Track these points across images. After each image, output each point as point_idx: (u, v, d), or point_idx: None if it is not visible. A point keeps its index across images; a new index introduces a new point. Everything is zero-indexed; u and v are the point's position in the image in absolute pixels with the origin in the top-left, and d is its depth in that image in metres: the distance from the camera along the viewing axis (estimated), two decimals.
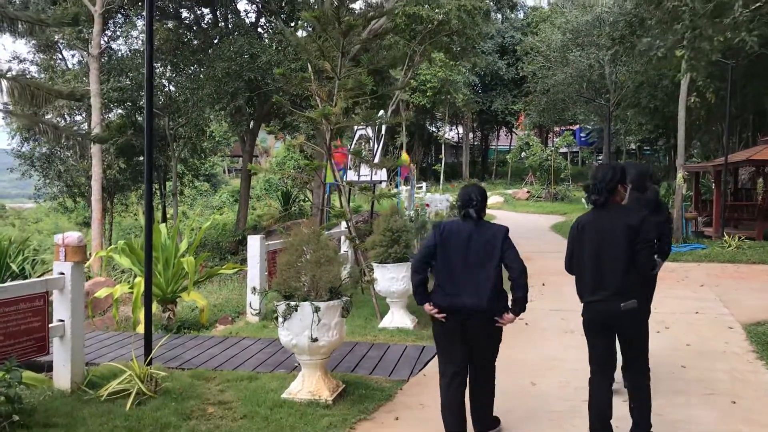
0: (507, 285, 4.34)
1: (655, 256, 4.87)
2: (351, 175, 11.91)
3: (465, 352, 4.33)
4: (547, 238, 18.95)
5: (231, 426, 4.87)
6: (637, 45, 17.03)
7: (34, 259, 14.02)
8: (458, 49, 21.29)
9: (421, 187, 31.87)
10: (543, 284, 10.52)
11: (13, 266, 12.82)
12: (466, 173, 50.55)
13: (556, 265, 10.80)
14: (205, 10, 23.00)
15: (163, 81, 22.37)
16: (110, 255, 10.34)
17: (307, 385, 5.32)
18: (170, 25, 22.18)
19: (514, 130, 54.48)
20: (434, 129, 52.38)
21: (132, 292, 8.85)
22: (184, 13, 22.80)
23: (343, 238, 11.06)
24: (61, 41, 22.91)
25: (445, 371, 4.40)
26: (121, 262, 9.87)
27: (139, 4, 19.95)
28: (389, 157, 25.80)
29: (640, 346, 4.31)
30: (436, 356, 6.51)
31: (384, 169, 12.22)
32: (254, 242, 9.00)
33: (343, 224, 10.44)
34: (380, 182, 12.81)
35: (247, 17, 24.10)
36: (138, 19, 21.25)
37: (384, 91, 13.79)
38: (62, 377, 5.54)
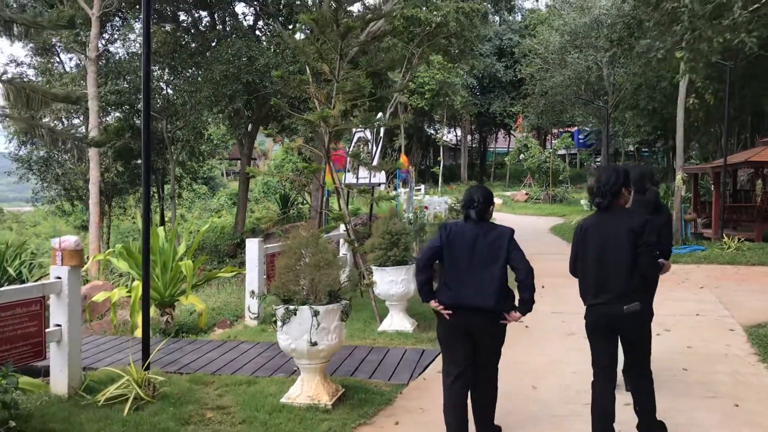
0: (512, 285, 4.32)
1: (660, 259, 4.85)
2: (349, 178, 11.87)
3: (468, 351, 4.31)
4: (546, 240, 18.93)
5: (230, 431, 4.83)
6: (636, 47, 17.06)
7: (31, 263, 13.96)
8: (456, 51, 21.25)
9: (420, 189, 31.92)
10: (542, 286, 10.48)
11: (10, 270, 12.76)
12: (465, 175, 50.58)
13: (555, 267, 10.79)
14: (203, 13, 22.98)
15: (161, 84, 22.33)
16: (108, 258, 10.28)
17: (306, 390, 5.28)
18: (168, 28, 22.15)
19: (512, 132, 54.49)
20: (432, 131, 52.41)
21: (130, 296, 8.80)
22: (182, 16, 22.78)
23: (341, 241, 11.02)
24: (58, 44, 22.86)
25: (448, 371, 4.38)
26: (119, 266, 9.80)
27: (137, 7, 19.90)
28: (388, 159, 25.79)
29: (643, 348, 4.31)
30: (440, 357, 6.52)
31: (383, 172, 12.20)
32: (252, 245, 8.95)
33: (342, 227, 10.41)
34: (379, 185, 12.78)
35: (245, 20, 24.08)
36: (135, 22, 21.23)
37: (382, 94, 13.75)
38: (59, 382, 5.49)
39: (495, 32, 46.56)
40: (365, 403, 5.33)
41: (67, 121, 23.14)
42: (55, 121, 21.92)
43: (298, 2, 21.14)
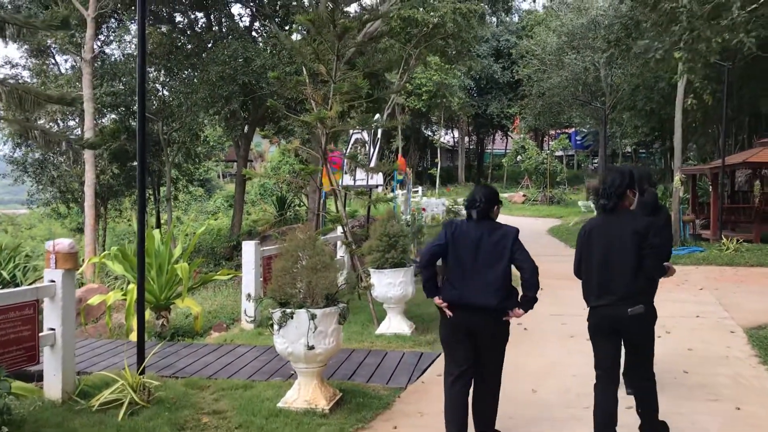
0: (516, 285, 4.31)
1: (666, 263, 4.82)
2: (347, 180, 11.81)
3: (469, 352, 4.29)
4: (544, 242, 18.89)
5: None
6: (633, 47, 17.04)
7: (25, 266, 13.86)
8: (453, 52, 21.20)
9: (417, 191, 31.87)
10: (541, 288, 10.41)
11: (4, 273, 12.68)
12: (462, 177, 50.54)
13: (553, 269, 10.74)
14: (199, 14, 22.91)
15: (157, 86, 22.26)
16: (103, 261, 10.21)
17: (303, 394, 5.21)
18: (164, 29, 22.08)
19: (509, 133, 54.49)
20: (430, 133, 52.37)
21: (125, 299, 8.73)
22: (178, 18, 22.71)
23: (339, 243, 10.96)
24: (53, 46, 22.78)
25: (449, 371, 4.38)
26: (114, 269, 9.74)
27: (132, 8, 19.84)
28: (385, 161, 25.73)
29: (647, 350, 4.30)
30: (438, 360, 6.49)
31: (380, 174, 12.14)
32: (249, 248, 8.88)
33: (339, 229, 10.34)
34: (376, 186, 12.73)
35: (241, 21, 24.04)
36: (131, 23, 21.16)
37: (379, 95, 13.72)
38: (53, 387, 5.42)
39: (492, 33, 46.54)
40: (363, 407, 5.27)
41: (63, 123, 23.04)
42: (51, 123, 21.83)
43: (295, 3, 21.09)
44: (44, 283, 5.43)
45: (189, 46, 21.81)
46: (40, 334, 5.32)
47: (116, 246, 11.44)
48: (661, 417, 4.39)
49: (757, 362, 6.47)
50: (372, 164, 11.33)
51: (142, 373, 5.50)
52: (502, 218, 4.60)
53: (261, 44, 21.19)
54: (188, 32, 22.65)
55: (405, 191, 19.46)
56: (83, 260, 13.92)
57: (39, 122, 19.55)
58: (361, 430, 4.91)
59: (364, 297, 8.79)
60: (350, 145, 12.22)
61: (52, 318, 5.41)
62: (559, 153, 47.32)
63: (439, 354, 6.71)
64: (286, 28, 21.99)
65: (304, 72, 9.41)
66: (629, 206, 4.30)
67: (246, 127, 23.73)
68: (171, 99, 21.30)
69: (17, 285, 12.02)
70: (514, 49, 40.02)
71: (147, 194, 23.73)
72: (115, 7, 19.76)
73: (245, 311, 8.59)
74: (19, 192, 31.31)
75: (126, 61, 20.78)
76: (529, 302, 4.22)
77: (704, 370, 6.19)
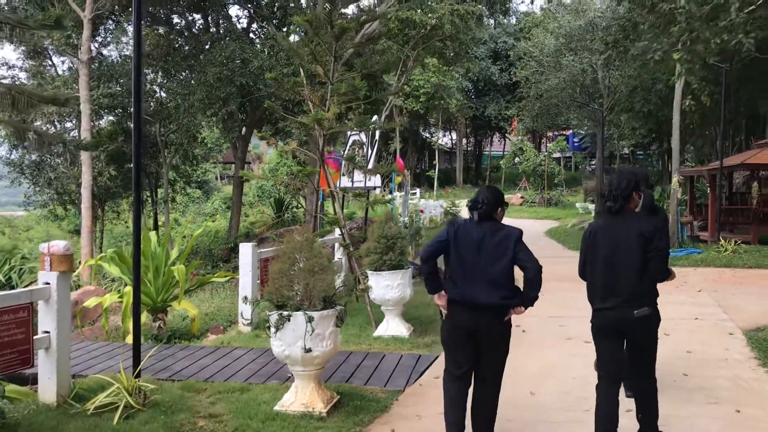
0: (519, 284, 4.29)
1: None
2: (345, 182, 11.77)
3: (470, 354, 4.28)
4: (542, 244, 18.86)
5: None
6: (631, 49, 17.02)
7: (21, 268, 13.79)
8: (451, 54, 21.21)
9: (415, 193, 31.85)
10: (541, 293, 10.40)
11: None
12: (460, 179, 50.54)
13: (551, 271, 10.66)
14: (197, 16, 22.86)
15: (154, 87, 22.20)
16: (99, 263, 10.15)
17: (301, 397, 5.17)
18: (161, 30, 22.03)
19: (507, 135, 54.45)
20: (428, 135, 52.37)
21: (121, 301, 8.68)
22: (175, 19, 22.67)
23: (337, 245, 10.92)
24: (50, 47, 22.71)
25: (449, 371, 4.37)
26: (111, 271, 9.69)
27: (130, 9, 19.78)
28: (383, 163, 25.67)
29: (650, 353, 4.29)
30: (436, 363, 6.46)
31: (378, 175, 12.11)
32: (246, 250, 8.84)
33: (337, 231, 10.30)
34: (374, 188, 12.69)
35: (239, 23, 23.99)
36: (128, 24, 21.09)
37: (377, 96, 13.68)
38: (48, 390, 5.37)
39: (490, 35, 46.54)
40: (360, 410, 5.24)
41: (60, 124, 22.96)
42: (47, 125, 21.74)
43: (292, 4, 21.06)
44: (39, 286, 5.39)
45: (186, 48, 21.76)
46: (35, 337, 5.28)
47: (114, 248, 11.40)
48: (661, 420, 4.36)
49: (756, 364, 6.44)
50: (370, 166, 11.30)
51: (138, 376, 5.46)
52: None
53: (258, 46, 21.16)
54: (185, 34, 22.61)
55: (403, 193, 19.43)
56: (80, 262, 13.86)
57: (36, 124, 19.49)
58: None
59: (361, 299, 8.75)
60: (348, 147, 12.18)
61: (46, 321, 5.36)
62: (557, 155, 47.35)
63: (437, 356, 6.68)
64: (284, 29, 21.96)
65: (302, 73, 9.38)
66: (634, 208, 4.29)
67: (243, 129, 23.69)
68: (168, 100, 21.25)
69: (13, 287, 11.96)
70: (512, 51, 39.98)
71: (144, 196, 23.69)
72: (112, 9, 19.71)
73: (242, 314, 8.55)
74: (16, 194, 31.20)
75: (123, 63, 20.71)
76: (530, 300, 4.20)
77: (704, 373, 6.16)
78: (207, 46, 21.01)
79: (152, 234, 9.81)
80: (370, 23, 14.32)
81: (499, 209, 4.37)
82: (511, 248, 4.17)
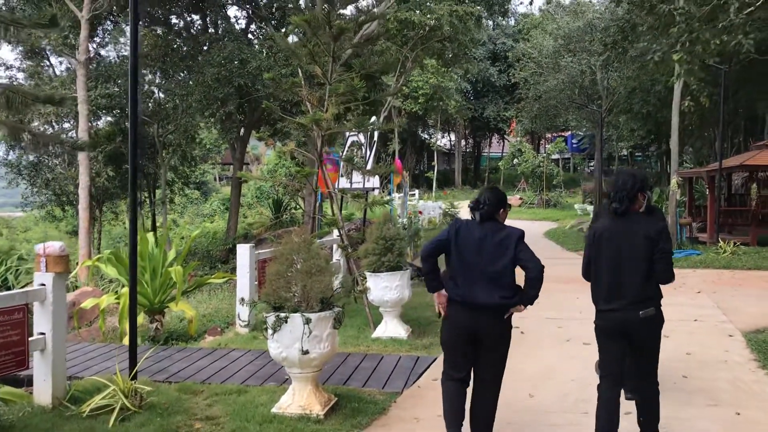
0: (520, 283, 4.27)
1: None
2: (343, 183, 11.73)
3: (470, 356, 4.27)
4: (540, 245, 18.82)
5: None
6: (629, 50, 17.01)
7: (17, 269, 13.74)
8: (450, 55, 21.20)
9: (414, 194, 31.83)
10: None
11: None
12: (459, 180, 50.55)
13: (550, 272, 10.58)
14: (195, 17, 22.83)
15: (153, 88, 22.16)
16: (97, 264, 10.11)
17: (298, 399, 5.13)
18: (159, 31, 21.99)
19: (506, 136, 54.49)
20: (426, 136, 52.37)
21: (119, 303, 8.64)
22: (174, 20, 22.63)
23: (335, 246, 10.88)
24: (48, 47, 22.67)
25: (448, 372, 4.36)
26: (108, 272, 9.65)
27: (128, 10, 19.75)
28: (381, 164, 25.65)
29: (654, 354, 4.26)
30: (434, 365, 6.42)
31: (376, 176, 12.06)
32: (244, 251, 8.81)
33: (335, 232, 10.26)
34: (373, 189, 12.65)
35: (237, 23, 23.98)
36: (127, 25, 21.05)
37: (376, 97, 13.63)
38: (43, 392, 5.33)
39: (489, 36, 46.58)
40: (358, 412, 5.19)
41: (57, 125, 22.91)
42: (45, 125, 21.69)
43: (291, 5, 21.03)
44: (34, 287, 5.35)
45: (184, 48, 21.75)
46: (30, 339, 5.23)
47: (111, 249, 11.36)
48: (661, 423, 4.33)
49: (756, 366, 6.41)
50: (368, 167, 11.25)
51: (134, 378, 5.42)
52: None
53: (257, 46, 21.13)
54: (184, 34, 22.58)
55: (402, 194, 19.40)
56: (77, 263, 13.81)
57: (33, 124, 19.44)
58: None
59: (360, 301, 8.70)
60: (346, 148, 12.14)
61: (42, 322, 5.32)
62: (556, 156, 47.37)
63: (436, 358, 6.65)
64: (282, 30, 21.92)
65: (300, 74, 9.34)
66: (639, 209, 4.26)
67: (242, 130, 23.66)
68: (166, 101, 21.22)
69: (9, 288, 11.91)
70: (511, 52, 40.02)
71: (143, 197, 23.63)
72: (110, 9, 19.67)
73: (239, 315, 8.51)
74: (14, 195, 31.13)
75: (121, 63, 20.68)
76: (530, 299, 4.18)
77: (703, 375, 6.13)
78: (205, 47, 20.99)
79: (149, 235, 9.77)
80: (369, 24, 14.29)
81: (502, 210, 4.37)
82: (511, 248, 4.16)
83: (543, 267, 4.13)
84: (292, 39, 20.85)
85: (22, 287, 11.46)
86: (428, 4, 18.53)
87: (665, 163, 31.37)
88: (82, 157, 16.99)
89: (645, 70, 16.91)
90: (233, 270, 12.65)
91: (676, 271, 4.30)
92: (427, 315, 8.88)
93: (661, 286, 4.25)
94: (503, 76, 45.50)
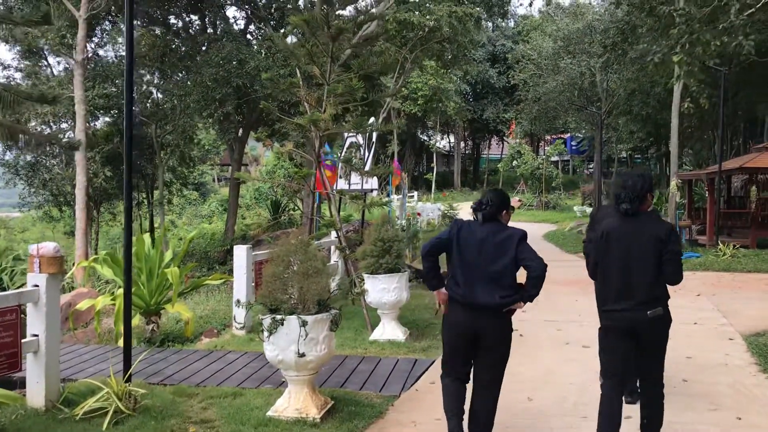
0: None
1: None
2: (341, 184, 11.68)
3: (470, 356, 4.27)
4: (540, 247, 18.74)
5: None
6: (629, 52, 16.98)
7: (12, 270, 13.66)
8: (450, 56, 21.16)
9: (413, 196, 31.75)
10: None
11: None
12: (458, 182, 50.51)
13: (549, 274, 10.55)
14: (194, 17, 22.79)
15: (150, 88, 22.11)
16: (93, 265, 10.04)
17: (294, 403, 5.07)
18: (157, 31, 21.94)
19: (505, 138, 54.49)
20: (425, 138, 52.35)
21: (114, 304, 8.56)
22: (172, 20, 22.58)
23: (333, 248, 10.82)
24: (45, 47, 22.61)
25: (447, 372, 4.36)
26: (104, 273, 9.57)
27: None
28: (380, 165, 25.57)
29: (660, 356, 4.25)
30: (432, 367, 6.36)
31: (375, 178, 12.02)
32: (241, 252, 8.74)
33: (333, 234, 10.20)
34: (371, 191, 12.60)
35: (236, 24, 23.94)
36: (124, 25, 20.99)
37: (375, 98, 13.59)
38: (36, 395, 5.27)
39: (488, 38, 46.57)
40: (355, 416, 5.13)
41: (55, 125, 22.85)
42: (42, 126, 21.64)
43: (290, 6, 20.99)
44: (27, 288, 5.29)
45: (183, 49, 21.70)
46: (23, 341, 5.17)
47: (108, 249, 11.29)
48: (662, 426, 4.28)
49: (756, 370, 6.36)
50: (367, 168, 11.20)
51: (129, 380, 5.35)
52: None
53: (255, 47, 21.08)
54: (182, 35, 22.53)
55: (400, 196, 19.35)
56: (74, 264, 13.74)
57: (30, 125, 19.37)
58: None
59: (357, 302, 8.64)
60: (345, 149, 12.08)
61: (35, 324, 5.26)
62: (555, 158, 47.34)
63: (434, 361, 6.59)
64: (281, 30, 21.88)
65: (298, 74, 9.29)
66: (647, 209, 4.24)
67: (240, 131, 23.61)
68: (164, 102, 21.17)
69: (4, 289, 11.84)
70: (510, 54, 40.04)
71: (141, 198, 23.57)
72: (108, 9, 19.61)
73: (235, 317, 8.45)
74: (11, 195, 31.08)
75: (119, 64, 20.66)
76: (530, 297, 4.17)
77: (704, 379, 6.08)
78: (204, 47, 20.94)
79: (146, 236, 9.70)
80: (368, 24, 14.25)
81: (504, 212, 4.36)
82: (513, 248, 4.14)
83: (546, 266, 4.11)
84: (290, 39, 20.81)
85: (17, 288, 11.39)
86: (427, 5, 18.52)
87: (665, 166, 31.35)
88: (79, 158, 16.92)
89: (645, 71, 16.89)
90: (231, 271, 12.56)
91: None
92: (426, 317, 8.82)
93: None
94: (503, 78, 45.50)
